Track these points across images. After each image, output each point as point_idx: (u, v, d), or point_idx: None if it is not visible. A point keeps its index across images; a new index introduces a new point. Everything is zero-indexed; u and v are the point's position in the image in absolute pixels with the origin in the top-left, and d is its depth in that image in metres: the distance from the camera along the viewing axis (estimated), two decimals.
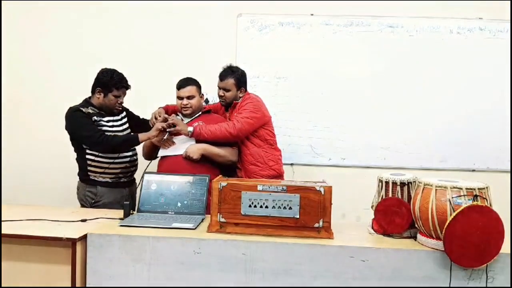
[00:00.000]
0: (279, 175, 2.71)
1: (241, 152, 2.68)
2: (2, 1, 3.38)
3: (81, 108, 2.48)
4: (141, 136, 2.48)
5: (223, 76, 2.70)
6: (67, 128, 2.51)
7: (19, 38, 3.42)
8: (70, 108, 2.51)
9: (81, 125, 2.46)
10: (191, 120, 2.61)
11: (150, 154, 2.60)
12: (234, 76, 2.69)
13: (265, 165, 2.67)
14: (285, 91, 3.31)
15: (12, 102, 3.43)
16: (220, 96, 2.74)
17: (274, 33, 3.31)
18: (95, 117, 2.49)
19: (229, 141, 2.59)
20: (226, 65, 2.77)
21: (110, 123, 2.54)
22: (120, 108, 2.61)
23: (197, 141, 2.50)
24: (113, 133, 2.52)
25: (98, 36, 3.37)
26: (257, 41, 3.31)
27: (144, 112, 2.79)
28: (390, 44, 3.26)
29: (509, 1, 3.20)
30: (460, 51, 3.23)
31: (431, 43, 3.24)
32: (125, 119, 2.66)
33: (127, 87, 2.57)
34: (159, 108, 2.66)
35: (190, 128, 2.48)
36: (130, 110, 2.75)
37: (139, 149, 2.65)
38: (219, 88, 2.72)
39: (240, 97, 2.71)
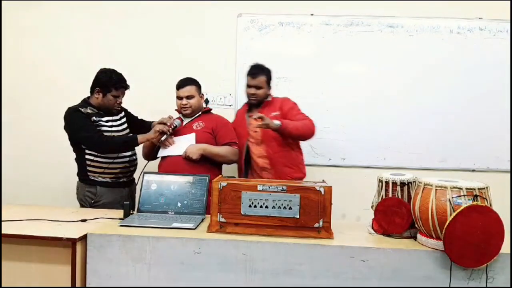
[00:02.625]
0: (304, 177, 2.74)
1: (265, 154, 2.65)
2: (1, 1, 3.38)
3: (80, 109, 2.48)
4: (140, 137, 2.48)
5: (255, 73, 2.67)
6: (66, 128, 2.51)
7: (18, 38, 3.42)
8: (69, 108, 2.51)
9: (80, 125, 2.45)
10: (191, 120, 2.61)
11: (150, 154, 2.60)
12: (265, 73, 2.68)
13: (297, 168, 2.69)
14: (285, 91, 3.30)
15: (12, 102, 3.42)
16: (251, 94, 2.69)
17: (274, 33, 3.30)
18: (94, 117, 2.49)
19: (306, 139, 2.68)
20: (253, 63, 2.74)
21: (109, 123, 2.54)
22: (119, 108, 2.61)
23: (198, 142, 2.50)
24: (112, 133, 2.52)
25: (98, 36, 3.37)
26: (257, 41, 3.31)
27: (143, 112, 2.79)
28: (390, 44, 3.26)
29: (509, 1, 3.20)
30: (460, 51, 3.23)
31: (431, 43, 3.24)
32: (124, 119, 2.66)
33: (126, 87, 2.56)
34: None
35: (278, 122, 2.49)
36: (130, 110, 2.74)
37: (138, 149, 2.65)
38: (250, 86, 2.68)
39: (268, 95, 2.69)
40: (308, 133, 2.61)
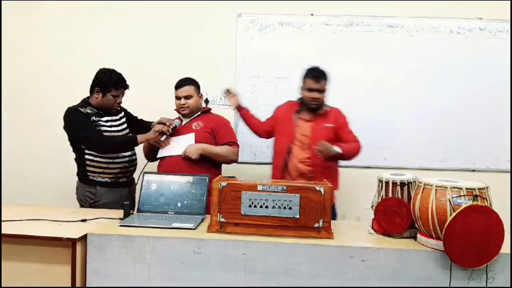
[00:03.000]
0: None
1: (310, 162, 2.58)
2: (2, 1, 3.38)
3: (80, 109, 2.47)
4: (140, 137, 2.48)
5: (318, 76, 2.60)
6: (65, 128, 2.50)
7: (18, 38, 3.42)
8: (69, 108, 2.50)
9: (79, 125, 2.45)
10: (190, 120, 2.61)
11: (150, 154, 2.60)
12: (327, 77, 2.64)
13: (335, 181, 2.63)
14: (285, 91, 3.30)
15: (12, 102, 3.43)
16: (313, 99, 2.60)
17: (274, 33, 3.31)
18: (93, 117, 2.48)
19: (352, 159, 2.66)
20: (312, 66, 2.67)
21: (109, 123, 2.54)
22: (119, 108, 2.60)
23: (197, 142, 2.50)
24: (111, 133, 2.51)
25: (98, 36, 3.37)
26: (257, 41, 3.31)
27: (143, 112, 2.79)
28: (390, 44, 3.26)
29: (509, 1, 3.20)
30: (460, 51, 3.23)
31: (431, 43, 3.24)
32: (124, 119, 2.66)
33: (126, 87, 2.56)
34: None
35: (339, 150, 2.49)
36: (130, 110, 2.74)
37: (138, 149, 2.64)
38: (312, 90, 2.59)
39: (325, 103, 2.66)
40: (355, 156, 2.64)
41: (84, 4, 3.36)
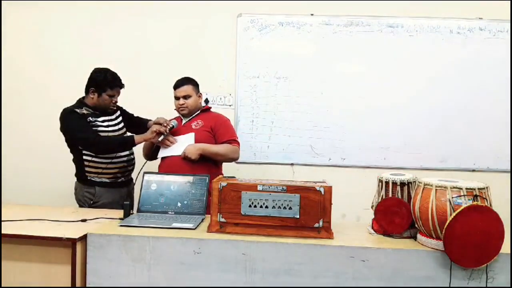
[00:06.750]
0: None
1: None
2: (1, 1, 3.38)
3: (76, 109, 2.45)
4: (137, 138, 2.47)
5: None
6: (62, 130, 2.49)
7: (18, 38, 3.41)
8: (65, 109, 2.48)
9: (76, 127, 2.43)
10: (189, 120, 2.61)
11: (149, 154, 2.60)
12: None
13: None
14: (285, 91, 3.30)
15: (11, 103, 3.42)
16: None
17: (274, 33, 3.30)
18: (90, 118, 2.47)
19: None
20: None
21: (106, 123, 2.53)
22: (115, 108, 2.59)
23: (197, 141, 2.49)
24: (108, 133, 2.50)
25: (97, 36, 3.37)
26: (257, 41, 3.31)
27: (143, 113, 2.79)
28: (390, 44, 3.26)
29: (509, 1, 3.20)
30: (460, 51, 3.23)
31: (431, 43, 3.24)
32: (120, 118, 2.64)
33: (121, 86, 2.54)
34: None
35: None
36: (130, 111, 2.74)
37: (136, 148, 2.63)
38: None
39: None
40: None
41: (83, 4, 3.36)
